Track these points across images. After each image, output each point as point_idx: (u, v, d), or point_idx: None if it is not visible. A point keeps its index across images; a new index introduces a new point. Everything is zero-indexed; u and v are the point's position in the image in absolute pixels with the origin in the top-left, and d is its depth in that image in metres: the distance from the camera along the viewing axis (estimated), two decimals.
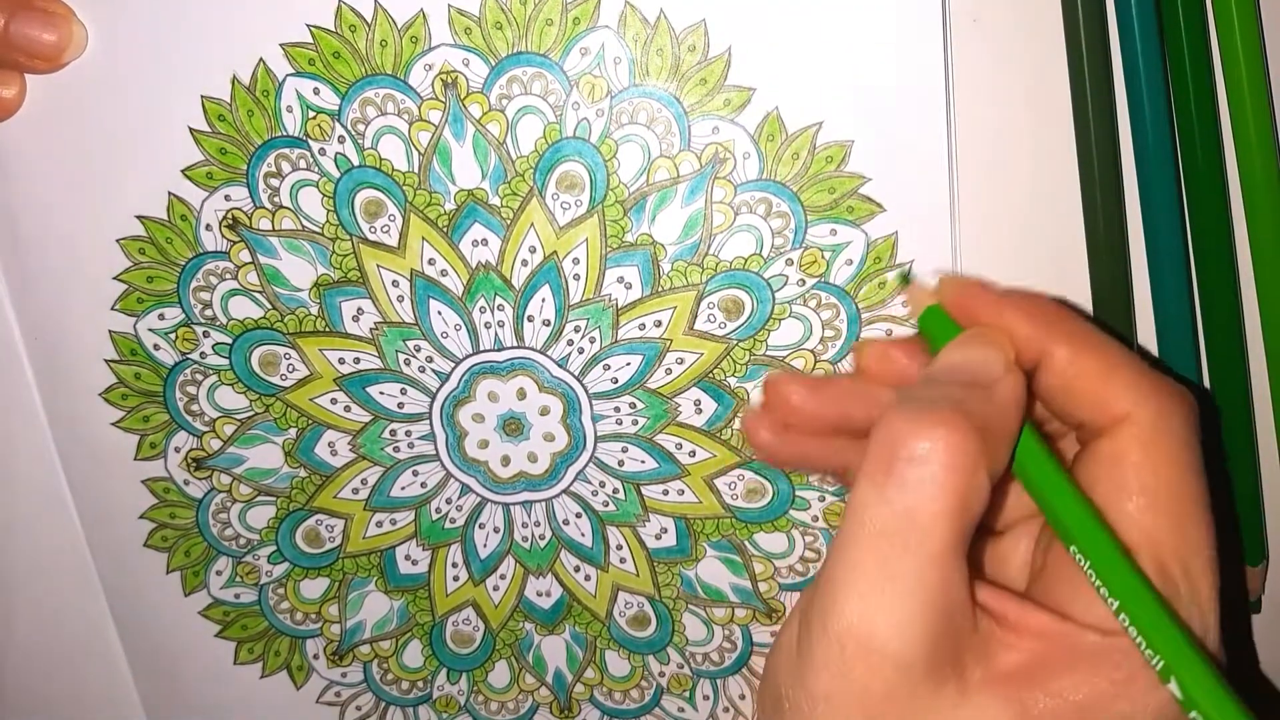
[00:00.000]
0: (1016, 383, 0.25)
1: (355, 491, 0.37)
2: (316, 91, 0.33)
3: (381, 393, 0.36)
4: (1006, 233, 0.33)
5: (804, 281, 0.33)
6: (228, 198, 0.35)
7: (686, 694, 0.38)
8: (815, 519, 0.35)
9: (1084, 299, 0.33)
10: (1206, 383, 0.33)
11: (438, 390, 0.36)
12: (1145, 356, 0.32)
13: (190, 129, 0.34)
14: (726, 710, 0.38)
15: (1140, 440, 0.25)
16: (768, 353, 0.34)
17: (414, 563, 0.38)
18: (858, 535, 0.23)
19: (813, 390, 0.28)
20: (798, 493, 0.35)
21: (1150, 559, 0.24)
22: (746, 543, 0.36)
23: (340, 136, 0.34)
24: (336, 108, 0.33)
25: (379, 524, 0.38)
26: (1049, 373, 0.26)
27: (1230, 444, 0.33)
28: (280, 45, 0.33)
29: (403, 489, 0.37)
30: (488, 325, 0.35)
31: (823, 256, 0.33)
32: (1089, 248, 0.32)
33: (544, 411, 0.36)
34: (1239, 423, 0.33)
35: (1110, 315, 0.32)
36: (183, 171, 0.35)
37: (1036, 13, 0.31)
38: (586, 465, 0.36)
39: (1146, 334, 0.33)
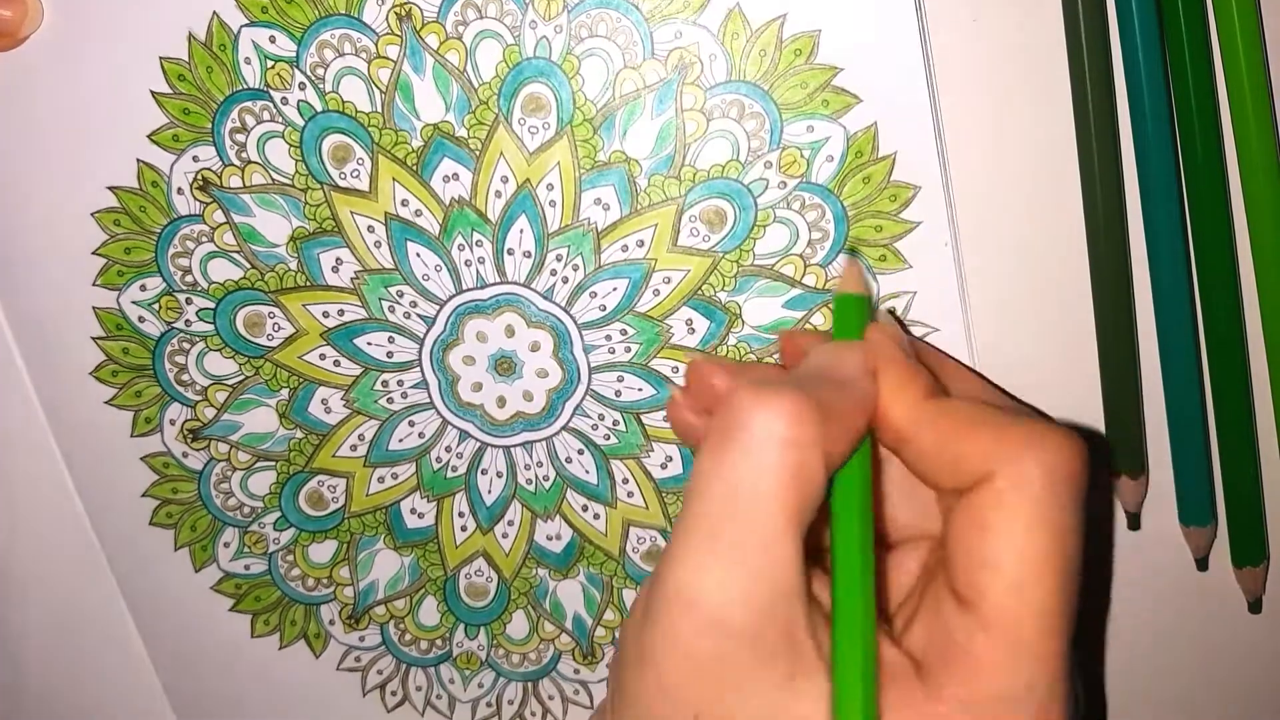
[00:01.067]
0: (870, 387, 0.26)
1: (353, 448, 0.37)
2: (273, 39, 0.33)
3: (369, 343, 0.36)
4: (1006, 234, 0.33)
5: (785, 184, 0.32)
6: (196, 159, 0.35)
7: None
8: None
9: (1084, 298, 0.33)
10: (1207, 383, 0.33)
11: (425, 335, 0.35)
12: (1027, 409, 0.32)
13: (152, 92, 0.34)
14: None
15: (994, 498, 0.24)
16: (755, 262, 0.33)
17: (420, 516, 0.38)
18: (695, 503, 0.24)
19: (734, 374, 0.28)
20: None
21: (989, 619, 0.24)
22: None
23: (301, 83, 0.33)
24: (294, 54, 0.33)
25: (380, 479, 0.38)
26: (910, 452, 0.26)
27: (1230, 444, 0.33)
28: None
29: (401, 441, 0.37)
30: (468, 263, 0.34)
31: (802, 156, 0.32)
32: (1089, 246, 0.32)
33: (534, 347, 0.35)
34: (1239, 423, 0.33)
35: (1110, 314, 0.32)
36: (149, 137, 0.35)
37: (1036, 12, 0.31)
38: (583, 399, 0.36)
39: (1147, 334, 0.33)
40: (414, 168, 0.34)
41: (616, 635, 0.27)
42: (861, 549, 0.25)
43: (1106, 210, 0.31)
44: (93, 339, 0.37)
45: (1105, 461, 0.34)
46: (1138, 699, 0.37)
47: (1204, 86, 0.30)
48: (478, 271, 0.34)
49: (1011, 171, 0.33)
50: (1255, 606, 0.36)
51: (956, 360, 0.33)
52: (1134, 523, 0.35)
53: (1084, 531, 0.24)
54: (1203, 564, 0.35)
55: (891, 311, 0.33)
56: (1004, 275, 0.34)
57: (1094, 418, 0.34)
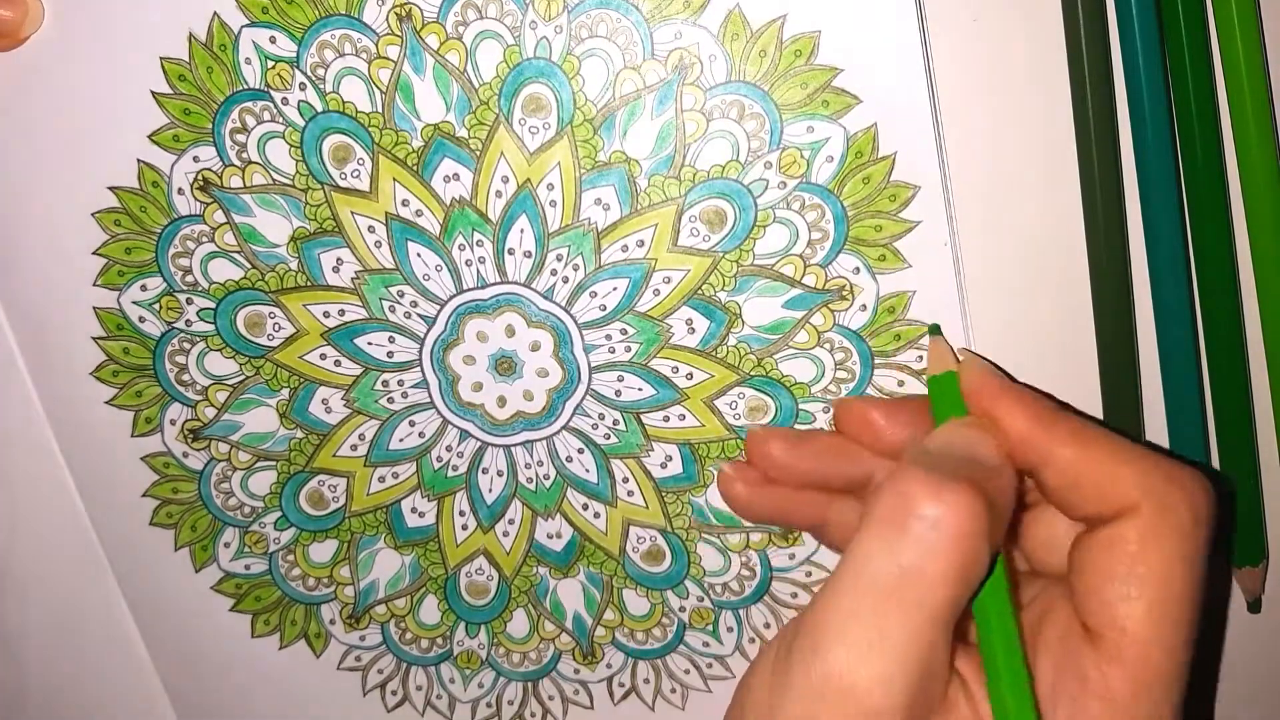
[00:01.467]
0: (1013, 473, 0.26)
1: (354, 448, 0.37)
2: (273, 40, 0.33)
3: (370, 343, 0.36)
4: (1006, 235, 0.33)
5: (785, 184, 0.33)
6: (196, 159, 0.35)
7: (709, 628, 0.38)
8: None
9: (1084, 299, 0.33)
10: (1207, 383, 0.33)
11: (425, 335, 0.36)
12: (1158, 449, 0.33)
13: (152, 93, 0.35)
14: (753, 641, 0.37)
15: (1140, 530, 0.25)
16: (755, 262, 0.33)
17: (421, 515, 0.38)
18: (856, 584, 0.24)
19: (794, 444, 0.29)
20: (801, 407, 0.35)
21: (1122, 650, 0.24)
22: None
23: (301, 84, 0.34)
24: (294, 54, 0.33)
25: (381, 479, 0.38)
26: (1054, 472, 0.26)
27: (1229, 444, 0.34)
28: None
29: (401, 441, 0.37)
30: (468, 263, 0.35)
31: (802, 156, 0.32)
32: (1089, 248, 0.32)
33: (535, 347, 0.35)
34: (1239, 423, 0.33)
35: (1110, 316, 0.33)
36: (149, 137, 0.35)
37: (1036, 13, 0.31)
38: (583, 398, 0.36)
39: (1146, 334, 0.33)
40: (414, 168, 0.34)
41: (739, 685, 0.27)
42: (1014, 636, 0.25)
43: (1106, 211, 0.32)
44: (93, 339, 0.37)
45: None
46: None
47: (1204, 92, 0.30)
48: (478, 271, 0.35)
49: (1011, 174, 0.33)
50: (1254, 606, 0.36)
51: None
52: None
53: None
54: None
55: (970, 351, 0.33)
56: (1004, 276, 0.34)
57: (1094, 417, 0.34)
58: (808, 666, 0.24)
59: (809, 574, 0.36)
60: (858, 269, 0.33)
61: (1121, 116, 0.31)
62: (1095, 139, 0.31)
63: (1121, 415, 0.34)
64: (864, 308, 0.34)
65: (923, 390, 0.34)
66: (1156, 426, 0.34)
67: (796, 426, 0.35)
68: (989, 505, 0.24)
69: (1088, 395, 0.34)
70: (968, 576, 0.24)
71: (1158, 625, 0.24)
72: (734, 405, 0.35)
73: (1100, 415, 0.34)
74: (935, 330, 0.33)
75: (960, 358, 0.31)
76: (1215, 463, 0.34)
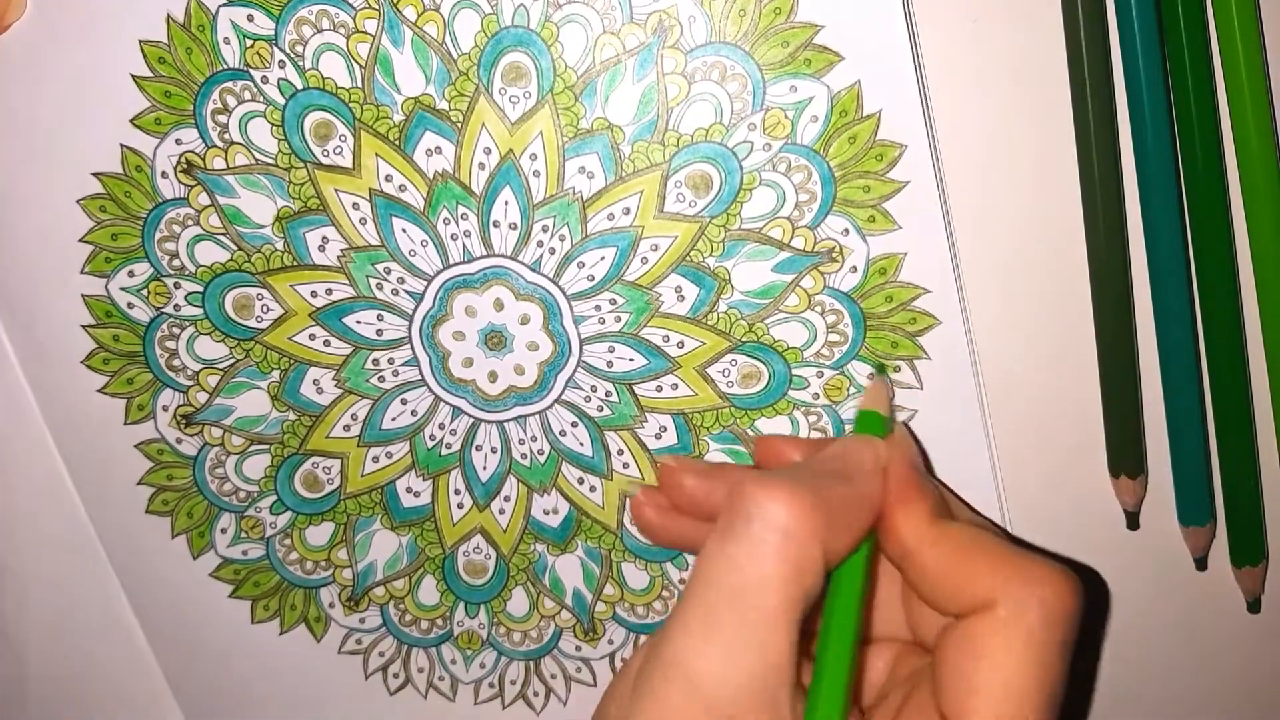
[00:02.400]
0: (877, 484, 0.27)
1: (346, 429, 0.38)
2: (251, 18, 0.33)
3: (359, 322, 0.36)
4: (1006, 236, 0.33)
5: (770, 145, 0.32)
6: (179, 141, 0.35)
7: None
8: (816, 397, 0.35)
9: (1084, 299, 0.33)
10: (1206, 383, 0.33)
11: (414, 311, 0.36)
12: (1034, 549, 0.33)
13: (133, 76, 0.35)
14: None
15: (990, 627, 0.25)
16: (743, 226, 0.33)
17: (416, 495, 0.38)
18: (694, 584, 0.25)
19: (706, 477, 0.30)
20: (794, 372, 0.35)
21: None
22: (749, 431, 0.35)
23: (280, 61, 0.34)
24: (272, 32, 0.33)
25: (375, 459, 0.38)
26: (915, 572, 0.27)
27: (1229, 444, 0.34)
28: None
29: (394, 420, 0.37)
30: (454, 237, 0.35)
31: (786, 116, 0.32)
32: (1089, 248, 0.32)
33: (524, 320, 0.35)
34: (1238, 423, 0.33)
35: (1110, 315, 0.33)
36: (131, 121, 0.35)
37: (1036, 13, 0.31)
38: (575, 371, 0.36)
39: (1146, 334, 0.33)
40: (396, 142, 0.34)
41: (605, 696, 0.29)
42: (849, 648, 0.26)
43: (1106, 212, 0.32)
44: (83, 327, 0.38)
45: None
46: (1136, 698, 0.38)
47: (1204, 92, 0.30)
48: (464, 245, 0.35)
49: (1011, 175, 0.33)
50: (1254, 606, 0.36)
51: (957, 495, 0.34)
52: (1133, 523, 0.36)
53: (1068, 670, 0.26)
54: (1202, 564, 0.36)
55: (907, 426, 0.34)
56: (1003, 279, 0.34)
57: (1093, 418, 0.35)
58: (658, 658, 0.25)
59: None
60: (847, 230, 0.33)
61: (1121, 117, 0.31)
62: (1095, 139, 0.31)
63: (1120, 415, 0.34)
64: (854, 270, 0.34)
65: (921, 364, 0.34)
66: (1156, 426, 0.34)
67: (790, 397, 0.35)
68: (826, 512, 0.25)
69: (1088, 395, 0.34)
70: (797, 577, 0.25)
71: None
72: (727, 373, 0.35)
73: (1100, 415, 0.34)
74: (881, 370, 0.34)
75: (894, 423, 0.32)
76: (1215, 463, 0.34)
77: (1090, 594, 0.27)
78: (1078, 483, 0.35)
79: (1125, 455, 0.34)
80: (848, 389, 0.35)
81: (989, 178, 0.33)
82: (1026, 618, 0.25)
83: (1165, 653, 0.37)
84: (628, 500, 0.36)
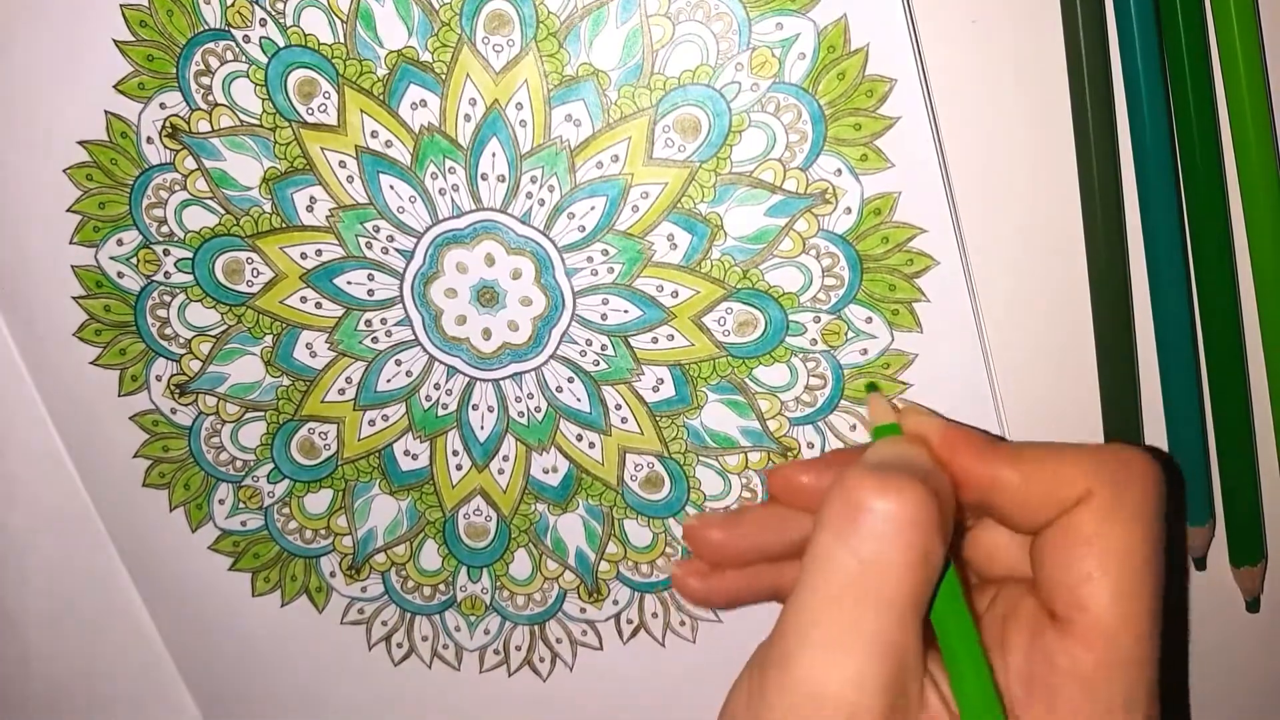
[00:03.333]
0: (945, 473, 0.27)
1: (341, 392, 0.37)
2: None
3: (349, 282, 0.36)
4: (1005, 235, 0.33)
5: (758, 85, 0.32)
6: (163, 105, 0.35)
7: None
8: (814, 342, 0.35)
9: (1084, 300, 0.33)
10: (1206, 383, 0.33)
11: (404, 269, 0.36)
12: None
13: (115, 41, 0.35)
14: None
15: (1095, 512, 0.25)
16: (733, 170, 0.33)
17: (414, 457, 0.38)
18: (817, 587, 0.24)
19: (731, 526, 0.30)
20: (791, 318, 0.34)
21: (1089, 630, 0.25)
22: (747, 380, 0.35)
23: (261, 19, 0.34)
24: None
25: (371, 422, 0.38)
26: (1005, 496, 0.27)
27: (1228, 444, 0.34)
28: None
29: (389, 381, 0.37)
30: (442, 191, 0.35)
31: (773, 55, 0.32)
32: (1088, 248, 0.33)
33: (516, 275, 0.35)
34: (1237, 423, 0.34)
35: (1110, 316, 0.33)
36: (115, 87, 0.35)
37: (1035, 14, 0.32)
38: (569, 325, 0.36)
39: (1146, 334, 0.33)
40: (381, 97, 0.34)
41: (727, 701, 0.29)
42: (975, 637, 0.26)
43: (1105, 214, 0.32)
44: (74, 298, 0.38)
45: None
46: None
47: (1203, 93, 0.31)
48: (452, 200, 0.35)
49: (1010, 176, 0.33)
50: (1253, 606, 0.36)
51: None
52: None
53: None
54: (1201, 563, 0.36)
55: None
56: (1002, 280, 0.34)
57: (1093, 417, 0.34)
58: (781, 677, 0.24)
59: None
60: (839, 170, 0.33)
61: (1121, 117, 0.32)
62: (1095, 141, 0.31)
63: (1121, 415, 0.34)
64: (849, 211, 0.33)
65: (924, 311, 0.34)
66: (1156, 426, 0.34)
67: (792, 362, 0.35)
68: (935, 496, 0.25)
69: (1088, 395, 0.34)
70: (926, 566, 0.24)
71: (1121, 602, 0.25)
72: (722, 321, 0.35)
73: (1100, 415, 0.34)
74: (873, 387, 0.34)
75: (899, 407, 0.32)
76: (1215, 463, 0.34)
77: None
78: None
79: None
80: (845, 333, 0.34)
81: (988, 181, 0.33)
82: (1128, 495, 0.25)
83: (1164, 652, 0.37)
84: (670, 578, 0.35)
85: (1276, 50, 0.31)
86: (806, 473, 0.30)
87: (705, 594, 0.31)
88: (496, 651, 0.40)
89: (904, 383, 0.34)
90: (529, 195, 0.34)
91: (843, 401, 0.35)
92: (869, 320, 0.34)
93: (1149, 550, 0.25)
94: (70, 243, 0.37)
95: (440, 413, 0.37)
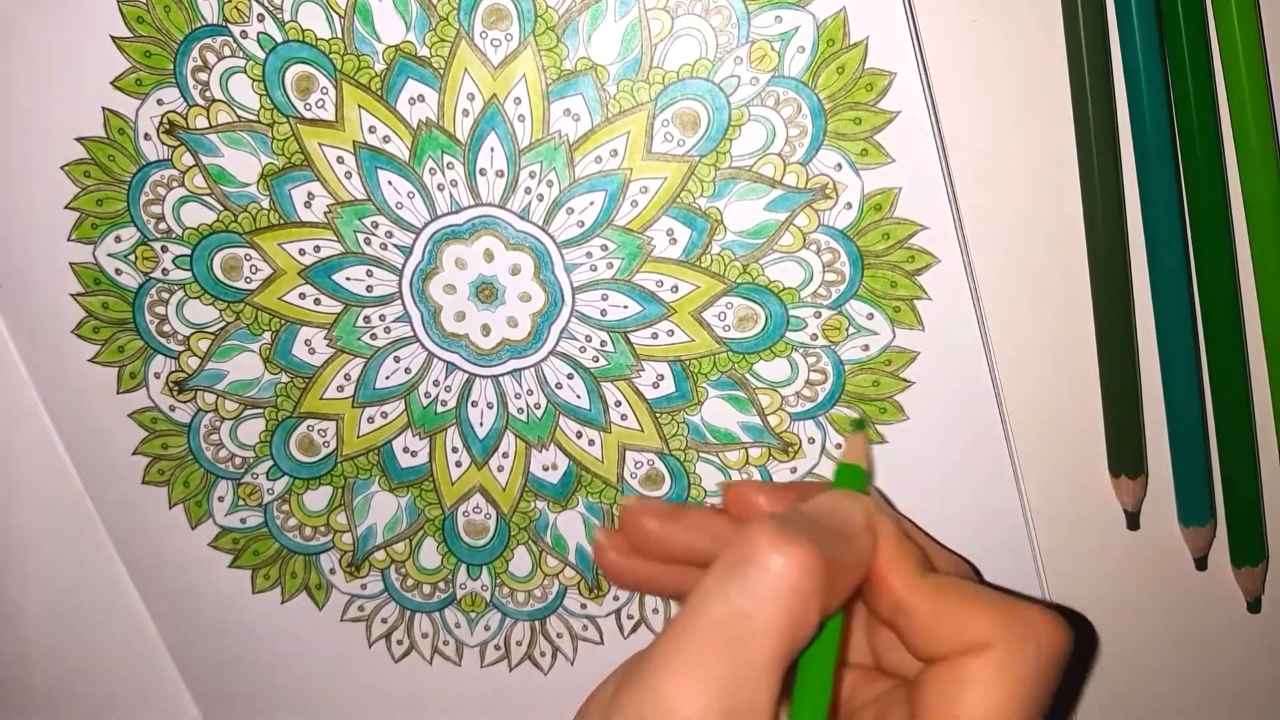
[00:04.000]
0: (869, 543, 0.28)
1: (340, 389, 0.38)
2: None
3: (348, 278, 0.36)
4: (1005, 235, 0.33)
5: (757, 79, 0.32)
6: (160, 102, 0.35)
7: None
8: (814, 337, 0.35)
9: (1084, 299, 0.34)
10: (1206, 383, 0.33)
11: (403, 265, 0.36)
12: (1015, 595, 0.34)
13: (112, 37, 0.35)
14: None
15: (985, 666, 0.26)
16: (733, 164, 0.33)
17: (413, 454, 0.38)
18: (689, 621, 0.25)
19: (667, 520, 0.31)
20: (791, 313, 0.34)
21: None
22: (748, 375, 0.35)
23: (259, 15, 0.34)
24: None
25: (370, 419, 0.38)
26: (911, 622, 0.27)
27: (1229, 444, 0.34)
28: None
29: (387, 378, 0.37)
30: (440, 187, 0.35)
31: (772, 48, 0.32)
32: (1089, 248, 0.33)
33: (515, 270, 0.35)
34: (1238, 423, 0.34)
35: (1110, 315, 0.33)
36: (112, 83, 0.35)
37: (1036, 13, 0.32)
38: (569, 320, 0.36)
39: (1146, 334, 0.34)
40: (379, 92, 0.34)
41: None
42: (825, 699, 0.26)
43: (1106, 211, 0.32)
44: (72, 296, 0.38)
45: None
46: (1136, 698, 0.38)
47: (1204, 92, 0.31)
48: (451, 195, 0.35)
49: (1010, 175, 0.33)
50: (1254, 606, 0.36)
51: (934, 539, 0.34)
52: (1133, 523, 0.36)
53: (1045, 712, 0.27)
54: (1202, 564, 0.36)
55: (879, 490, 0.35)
56: (1002, 280, 0.34)
57: (1093, 417, 0.35)
58: (639, 689, 0.25)
59: None
60: (840, 165, 0.33)
61: (1121, 117, 0.32)
62: (1095, 139, 0.31)
63: (1121, 415, 0.34)
64: (849, 206, 0.33)
65: (936, 309, 0.34)
66: (1157, 426, 0.34)
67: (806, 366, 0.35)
68: (828, 569, 0.25)
69: (1088, 395, 0.34)
70: (794, 632, 0.25)
71: None
72: (723, 316, 0.35)
73: (1100, 415, 0.34)
74: (859, 425, 0.35)
75: (872, 485, 0.33)
76: (1215, 463, 0.34)
77: (1079, 638, 0.29)
78: (1078, 483, 0.35)
79: (1125, 455, 0.35)
80: (847, 329, 0.34)
81: (989, 177, 0.33)
82: (1022, 655, 0.26)
83: (1164, 652, 0.37)
84: (593, 543, 0.36)
85: (1277, 43, 0.31)
86: (763, 495, 0.31)
87: (615, 571, 0.31)
88: (497, 647, 0.40)
89: (906, 380, 0.34)
90: (528, 190, 0.34)
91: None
92: (870, 316, 0.34)
93: (1024, 712, 0.25)
94: (68, 240, 0.37)
95: (439, 409, 0.37)
